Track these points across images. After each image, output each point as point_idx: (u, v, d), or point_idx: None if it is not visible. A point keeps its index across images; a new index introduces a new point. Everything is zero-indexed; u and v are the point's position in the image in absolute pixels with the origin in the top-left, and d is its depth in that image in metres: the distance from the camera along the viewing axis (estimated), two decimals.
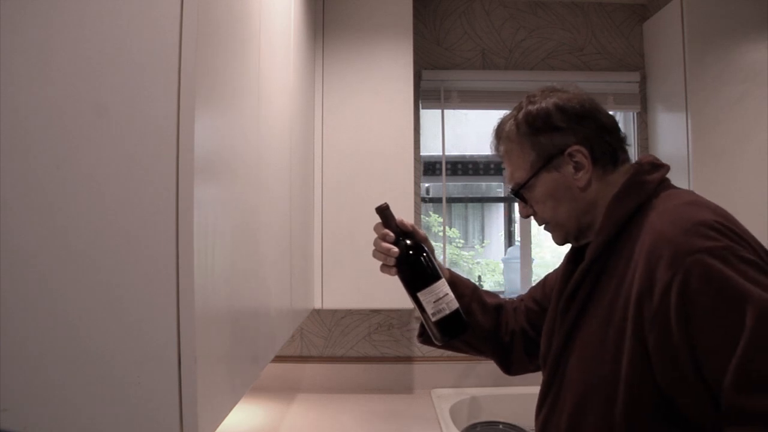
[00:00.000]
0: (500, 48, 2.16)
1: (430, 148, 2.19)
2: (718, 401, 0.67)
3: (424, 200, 2.17)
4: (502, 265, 2.45)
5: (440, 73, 2.12)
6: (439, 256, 2.19)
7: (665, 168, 0.91)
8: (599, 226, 0.87)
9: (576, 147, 0.88)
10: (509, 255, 2.37)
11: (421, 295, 0.96)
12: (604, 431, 0.77)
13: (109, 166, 0.62)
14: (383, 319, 2.06)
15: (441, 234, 2.16)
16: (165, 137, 0.62)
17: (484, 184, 2.38)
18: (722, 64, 1.85)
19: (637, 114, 2.19)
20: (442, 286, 0.96)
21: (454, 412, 1.78)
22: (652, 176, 0.88)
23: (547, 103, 0.90)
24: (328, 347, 2.06)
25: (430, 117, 2.17)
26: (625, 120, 2.26)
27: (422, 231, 1.08)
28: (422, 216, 2.16)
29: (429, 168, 2.21)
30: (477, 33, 2.16)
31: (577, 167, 0.88)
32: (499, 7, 2.17)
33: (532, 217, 0.99)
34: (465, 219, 2.46)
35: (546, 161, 0.89)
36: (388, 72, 1.79)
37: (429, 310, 0.95)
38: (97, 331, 0.61)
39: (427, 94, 2.12)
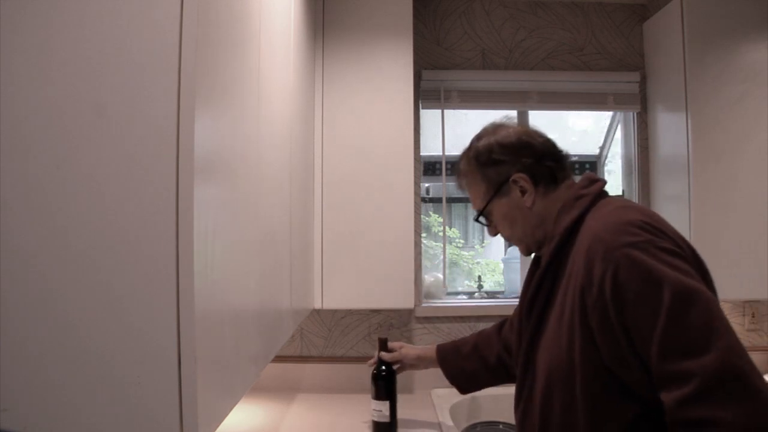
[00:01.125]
0: (500, 48, 2.16)
1: (430, 148, 2.18)
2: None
3: (424, 200, 2.17)
4: (502, 265, 2.45)
5: (440, 73, 2.12)
6: (439, 256, 2.19)
7: (601, 182, 1.04)
8: (550, 236, 1.02)
9: (518, 175, 1.05)
10: (509, 255, 2.37)
11: (373, 401, 1.58)
12: (568, 409, 0.89)
13: (109, 166, 0.62)
14: (383, 319, 2.06)
15: (441, 234, 2.16)
16: (165, 137, 0.62)
17: None
18: (722, 64, 1.85)
19: (637, 114, 2.19)
20: (384, 405, 1.57)
21: (454, 412, 1.78)
22: (589, 189, 1.01)
23: (490, 140, 1.10)
24: (328, 347, 2.06)
25: (430, 117, 2.16)
26: (625, 120, 2.27)
27: (402, 353, 1.64)
28: (422, 216, 2.16)
29: (429, 168, 2.21)
30: (477, 33, 2.16)
31: (523, 191, 1.05)
32: (499, 7, 2.17)
33: None
34: (465, 219, 2.46)
35: (496, 190, 1.07)
36: (388, 72, 1.79)
37: (373, 412, 1.58)
38: (97, 331, 0.61)
39: (427, 94, 2.12)
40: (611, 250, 0.84)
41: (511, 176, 1.05)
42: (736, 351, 0.74)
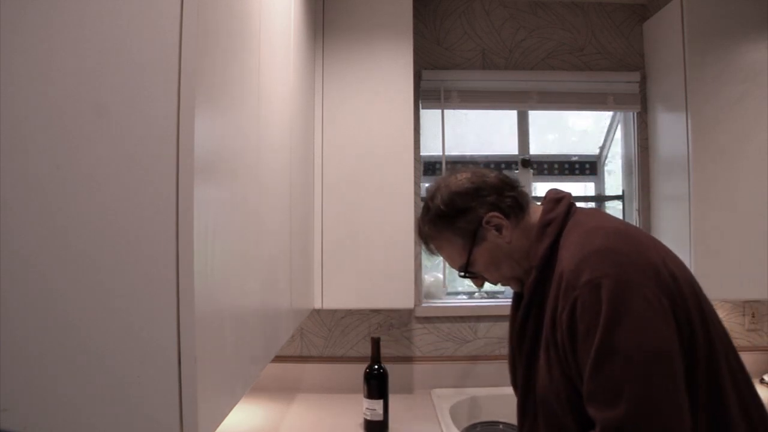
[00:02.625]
0: (500, 48, 2.16)
1: (430, 148, 2.18)
2: None
3: (424, 200, 2.17)
4: None
5: (440, 73, 2.12)
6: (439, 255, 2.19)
7: (565, 199, 1.03)
8: (529, 269, 1.01)
9: (489, 214, 1.02)
10: None
11: (365, 400, 1.61)
12: (556, 423, 0.92)
13: (109, 166, 0.62)
14: (383, 319, 2.06)
15: None
16: (165, 137, 0.62)
17: None
18: (722, 64, 1.85)
19: (637, 114, 2.19)
20: (377, 404, 1.59)
21: (454, 412, 1.78)
22: (556, 212, 1.00)
23: (445, 194, 1.05)
24: (328, 347, 2.06)
25: (430, 117, 2.16)
26: (625, 120, 2.27)
27: None
28: None
29: (429, 168, 2.21)
30: (477, 33, 2.16)
31: (498, 228, 1.02)
32: (499, 7, 2.17)
33: None
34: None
35: (473, 238, 1.03)
36: (388, 72, 1.79)
37: (366, 411, 1.61)
38: (97, 331, 0.61)
39: (427, 94, 2.12)
40: (571, 289, 0.85)
41: (482, 219, 1.02)
42: (642, 411, 0.76)
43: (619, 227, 0.93)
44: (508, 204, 1.03)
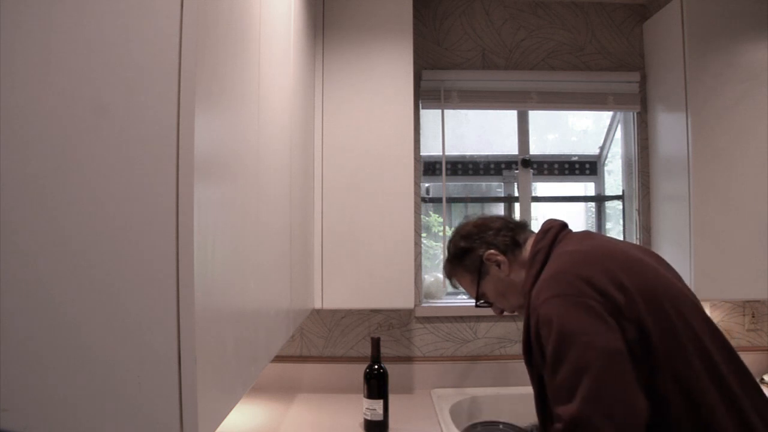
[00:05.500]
0: (500, 48, 2.16)
1: (430, 148, 2.18)
2: None
3: (424, 200, 2.17)
4: None
5: (440, 73, 2.12)
6: (439, 256, 2.19)
7: (554, 229, 1.15)
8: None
9: (487, 252, 1.21)
10: None
11: (365, 400, 1.61)
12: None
13: (109, 166, 0.62)
14: (383, 319, 2.06)
15: (441, 234, 2.16)
16: (165, 137, 0.62)
17: (484, 184, 2.37)
18: (722, 64, 1.85)
19: (637, 114, 2.19)
20: (377, 403, 1.60)
21: (454, 412, 1.78)
22: (543, 242, 1.13)
23: (456, 238, 1.29)
24: (328, 347, 2.06)
25: (430, 117, 2.17)
26: (625, 120, 2.27)
27: None
28: (422, 216, 2.16)
29: (429, 168, 2.21)
30: (477, 33, 2.16)
31: (498, 263, 1.20)
32: (499, 7, 2.17)
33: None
34: (465, 219, 2.46)
35: (478, 273, 1.22)
36: (388, 72, 1.79)
37: (366, 411, 1.61)
38: (97, 331, 0.61)
39: (427, 94, 2.12)
40: (533, 309, 1.00)
41: (483, 256, 1.21)
42: (593, 402, 0.86)
43: (582, 250, 1.05)
44: (504, 242, 1.20)
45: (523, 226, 1.25)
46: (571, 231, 1.17)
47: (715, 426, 0.89)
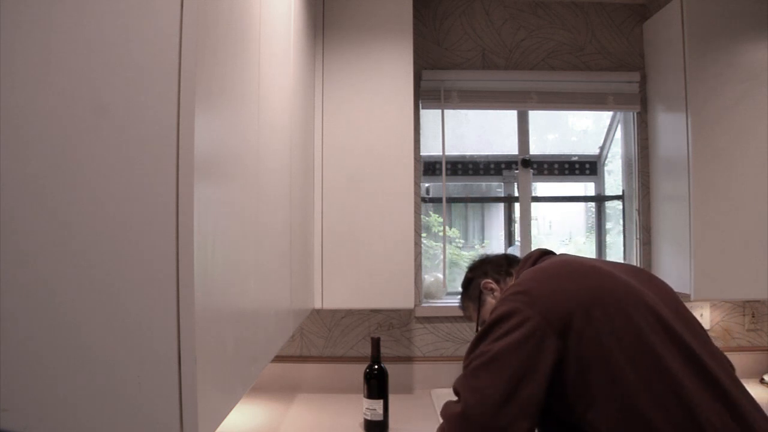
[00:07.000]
0: (500, 48, 2.16)
1: (430, 148, 2.19)
2: None
3: (424, 200, 2.17)
4: None
5: (440, 73, 2.12)
6: (439, 255, 2.19)
7: (533, 255, 1.22)
8: None
9: (483, 281, 1.33)
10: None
11: (365, 400, 1.62)
12: None
13: (109, 166, 0.62)
14: (383, 319, 2.06)
15: (441, 234, 2.16)
16: (165, 137, 0.62)
17: (484, 184, 2.38)
18: (722, 64, 1.85)
19: (637, 114, 2.19)
20: (377, 403, 1.61)
21: None
22: (525, 268, 1.19)
23: (466, 271, 1.44)
24: (328, 347, 2.06)
25: (430, 117, 2.17)
26: (625, 120, 2.27)
27: None
28: (422, 216, 2.16)
29: (429, 168, 2.21)
30: (477, 33, 2.16)
31: (492, 291, 1.32)
32: (499, 7, 2.17)
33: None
34: (465, 219, 2.46)
35: (478, 301, 1.35)
36: (388, 72, 1.79)
37: (366, 411, 1.62)
38: (97, 331, 0.61)
39: (427, 94, 2.12)
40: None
41: (480, 285, 1.33)
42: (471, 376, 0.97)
43: (545, 268, 1.10)
44: (498, 271, 1.33)
45: (517, 259, 1.36)
46: (552, 256, 1.21)
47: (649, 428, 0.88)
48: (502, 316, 0.99)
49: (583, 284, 1.01)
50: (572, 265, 1.08)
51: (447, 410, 1.00)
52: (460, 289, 1.45)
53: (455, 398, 1.00)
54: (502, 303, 1.02)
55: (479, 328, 1.30)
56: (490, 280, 1.32)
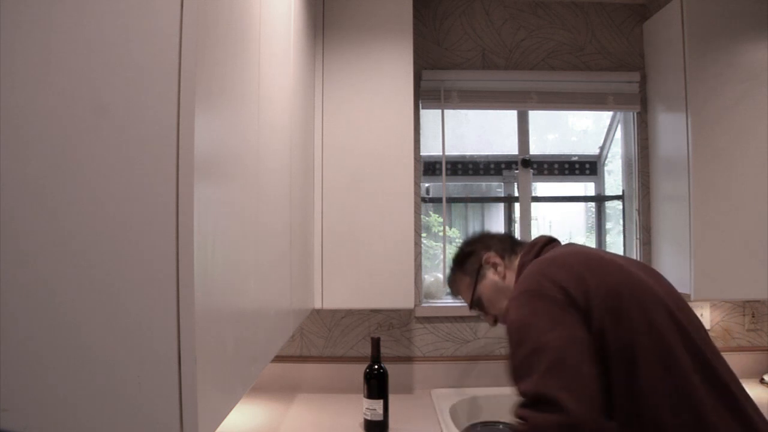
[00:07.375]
0: (500, 48, 2.16)
1: (430, 148, 2.19)
2: None
3: (424, 200, 2.17)
4: None
5: (440, 73, 2.12)
6: (439, 255, 2.19)
7: (539, 242, 1.21)
8: None
9: (487, 254, 1.28)
10: None
11: (365, 400, 1.62)
12: None
13: (109, 166, 0.62)
14: (383, 319, 2.06)
15: (441, 234, 2.16)
16: (165, 137, 0.62)
17: (484, 184, 2.38)
18: (722, 64, 1.85)
19: (637, 114, 2.19)
20: (377, 403, 1.60)
21: (454, 412, 1.78)
22: (530, 254, 1.19)
23: (461, 245, 1.38)
24: (328, 347, 2.06)
25: (430, 117, 2.17)
26: (625, 120, 2.27)
27: None
28: (422, 216, 2.16)
29: (429, 168, 2.21)
30: (477, 33, 2.16)
31: (495, 266, 1.27)
32: (499, 7, 2.17)
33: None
34: (465, 219, 2.46)
35: (476, 276, 1.28)
36: (388, 72, 1.79)
37: (366, 411, 1.61)
38: (97, 331, 0.61)
39: (427, 94, 2.12)
40: (509, 301, 1.05)
41: (482, 258, 1.28)
42: (550, 376, 0.88)
43: (553, 255, 1.09)
44: (503, 246, 1.29)
45: (521, 242, 1.33)
46: (558, 244, 1.20)
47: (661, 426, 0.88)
48: (536, 308, 0.96)
49: (603, 279, 0.99)
50: (593, 258, 1.06)
51: (536, 419, 0.86)
52: (455, 296, 1.42)
53: (528, 406, 0.89)
54: (531, 290, 0.99)
55: (473, 307, 1.31)
56: (493, 254, 1.27)
